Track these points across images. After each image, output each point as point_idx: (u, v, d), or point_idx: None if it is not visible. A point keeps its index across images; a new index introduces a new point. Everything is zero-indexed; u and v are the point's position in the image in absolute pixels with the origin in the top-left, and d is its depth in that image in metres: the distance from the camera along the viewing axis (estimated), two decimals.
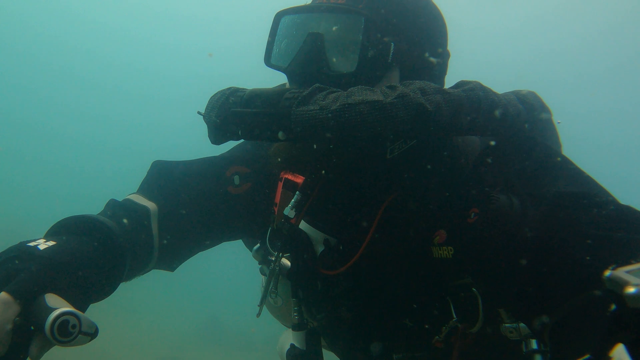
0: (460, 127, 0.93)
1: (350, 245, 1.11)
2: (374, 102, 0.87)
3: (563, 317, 0.81)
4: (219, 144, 1.06)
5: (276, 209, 1.25)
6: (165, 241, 1.26)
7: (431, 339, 1.10)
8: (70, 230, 1.04)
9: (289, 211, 1.17)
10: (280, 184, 1.24)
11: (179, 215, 1.29)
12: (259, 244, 1.48)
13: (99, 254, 1.01)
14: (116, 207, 1.21)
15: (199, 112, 1.06)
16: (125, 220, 1.17)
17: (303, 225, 1.17)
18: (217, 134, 1.01)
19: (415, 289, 1.10)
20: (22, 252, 0.91)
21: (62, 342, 0.83)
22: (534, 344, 1.03)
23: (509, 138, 1.04)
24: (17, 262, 0.89)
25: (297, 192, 1.17)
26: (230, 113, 0.96)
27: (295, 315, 1.24)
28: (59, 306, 0.84)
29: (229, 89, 1.02)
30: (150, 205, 1.26)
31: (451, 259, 1.01)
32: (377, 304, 1.15)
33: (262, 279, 1.63)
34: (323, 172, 1.09)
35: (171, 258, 1.33)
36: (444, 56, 1.13)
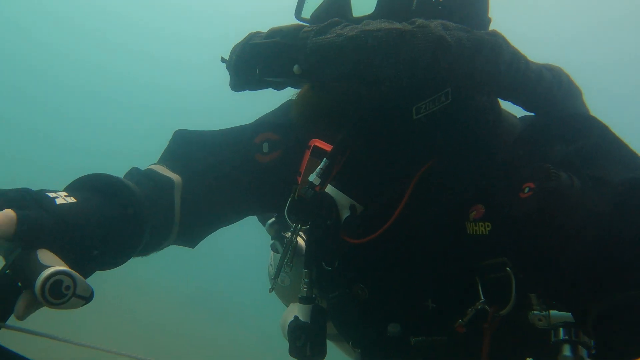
0: (481, 74, 0.89)
1: (379, 214, 1.06)
2: (392, 29, 0.84)
3: (620, 307, 0.77)
4: (238, 90, 1.03)
5: (300, 178, 1.21)
6: (186, 216, 1.22)
7: (453, 322, 1.04)
8: (95, 188, 0.99)
9: (314, 178, 1.13)
10: (308, 152, 1.20)
11: (203, 188, 1.25)
12: (274, 218, 1.44)
13: (118, 221, 0.97)
14: (140, 176, 1.18)
15: (222, 59, 1.04)
16: (149, 191, 1.13)
17: (329, 189, 1.12)
18: (236, 76, 0.99)
19: (442, 267, 1.04)
20: (38, 198, 0.86)
21: (52, 304, 0.76)
22: (561, 334, 0.97)
23: (556, 112, 1.00)
24: (31, 200, 0.85)
25: (325, 159, 1.13)
26: (249, 47, 0.95)
27: (305, 288, 1.18)
28: (52, 264, 0.77)
29: (251, 33, 1.01)
30: (175, 177, 1.22)
31: (487, 236, 0.96)
32: (399, 281, 1.09)
33: (270, 256, 1.58)
34: (346, 131, 1.03)
35: (192, 234, 1.30)
36: (485, 21, 1.09)
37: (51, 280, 0.74)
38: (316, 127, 1.13)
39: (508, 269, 0.95)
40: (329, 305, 1.23)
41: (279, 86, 1.02)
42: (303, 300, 1.17)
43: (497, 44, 0.91)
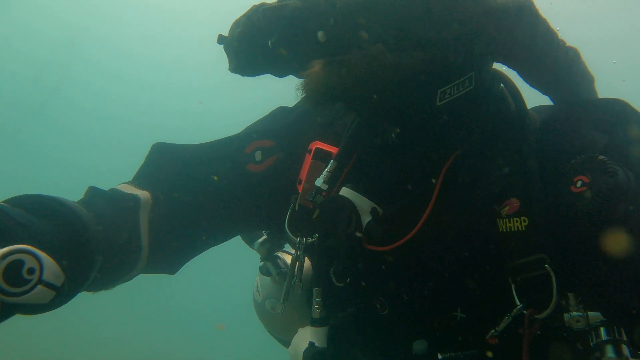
0: (520, 44, 0.86)
1: (406, 216, 0.96)
2: None
3: None
4: (241, 72, 0.92)
5: (300, 187, 1.09)
6: (158, 238, 1.05)
7: (485, 333, 0.96)
8: (26, 208, 0.79)
9: (321, 183, 1.02)
10: (309, 156, 1.09)
11: (179, 205, 1.09)
12: (265, 236, 1.30)
13: (60, 241, 0.77)
14: (94, 196, 0.99)
15: (220, 37, 0.92)
16: (102, 210, 0.94)
17: (344, 192, 1.00)
18: (241, 54, 0.88)
19: (472, 271, 0.96)
20: None
21: (10, 295, 0.56)
22: (603, 334, 0.92)
23: (573, 97, 0.96)
24: None
25: (332, 161, 1.03)
26: (262, 13, 0.84)
27: (317, 308, 1.05)
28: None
29: (255, 5, 0.90)
30: (142, 193, 1.05)
31: (523, 232, 0.89)
32: (426, 291, 0.99)
33: (256, 280, 1.43)
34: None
35: (170, 258, 1.12)
36: None
37: (7, 260, 0.56)
38: (330, 108, 1.03)
39: (547, 266, 0.89)
40: (339, 327, 1.10)
41: (281, 69, 0.91)
42: (317, 322, 1.04)
43: (534, 12, 0.87)
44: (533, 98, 1.06)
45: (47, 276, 0.59)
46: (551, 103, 1.07)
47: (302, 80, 0.91)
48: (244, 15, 0.90)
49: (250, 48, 0.88)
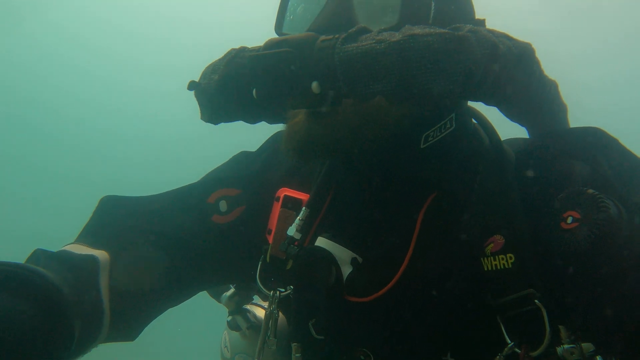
0: (516, 88, 0.83)
1: (386, 264, 0.91)
2: (444, 34, 0.70)
3: None
4: (217, 122, 0.85)
5: (270, 237, 1.02)
6: (119, 301, 0.94)
7: None
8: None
9: (294, 232, 0.95)
10: (277, 204, 1.03)
11: (139, 261, 0.99)
12: (232, 289, 1.22)
13: (38, 320, 0.71)
14: (48, 260, 0.88)
15: (191, 84, 0.84)
16: (63, 276, 0.85)
17: (322, 242, 0.94)
18: (219, 103, 0.81)
19: (459, 313, 0.91)
20: None
21: None
22: None
23: (559, 128, 0.96)
24: None
25: (304, 209, 0.97)
26: (248, 60, 0.76)
27: None
28: None
29: (233, 49, 0.83)
30: (99, 253, 0.95)
31: (510, 269, 0.86)
32: (412, 338, 0.93)
33: (224, 335, 1.33)
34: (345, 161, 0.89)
35: (130, 322, 1.01)
36: (480, 23, 1.00)
37: None
38: (313, 160, 0.97)
39: (537, 301, 0.86)
40: None
41: (258, 118, 0.84)
42: None
43: (532, 56, 0.86)
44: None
45: None
46: (520, 134, 1.07)
47: (285, 131, 0.85)
48: (222, 60, 0.83)
49: (230, 96, 0.81)
